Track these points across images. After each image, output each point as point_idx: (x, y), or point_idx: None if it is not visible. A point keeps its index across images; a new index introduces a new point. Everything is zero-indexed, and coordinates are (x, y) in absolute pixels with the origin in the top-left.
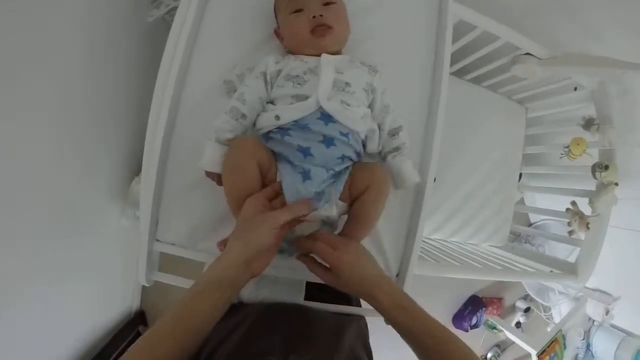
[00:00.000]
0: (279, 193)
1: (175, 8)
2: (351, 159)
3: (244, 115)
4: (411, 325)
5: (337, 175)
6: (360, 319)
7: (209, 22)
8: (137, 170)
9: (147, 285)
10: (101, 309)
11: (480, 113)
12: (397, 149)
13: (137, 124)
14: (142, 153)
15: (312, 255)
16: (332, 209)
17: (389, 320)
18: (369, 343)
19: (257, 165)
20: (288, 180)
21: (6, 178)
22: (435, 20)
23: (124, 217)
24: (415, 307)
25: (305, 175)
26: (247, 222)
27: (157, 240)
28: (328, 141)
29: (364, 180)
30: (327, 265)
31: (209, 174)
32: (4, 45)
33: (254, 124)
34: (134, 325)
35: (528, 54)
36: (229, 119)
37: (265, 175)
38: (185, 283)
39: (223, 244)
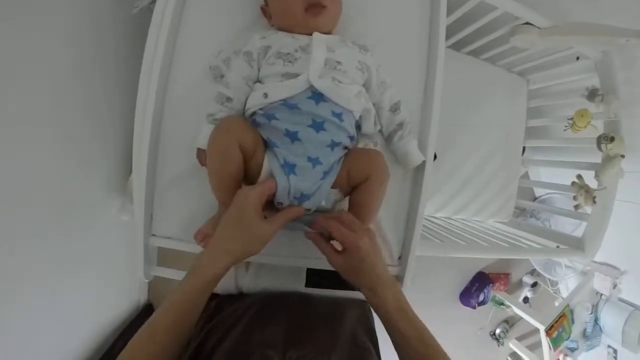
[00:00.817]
0: (273, 192)
1: None
2: (342, 146)
3: (229, 99)
4: (409, 331)
5: (326, 172)
6: (364, 303)
7: (192, 8)
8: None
9: (146, 280)
10: (108, 304)
11: (479, 87)
12: (400, 125)
13: (133, 118)
14: None
15: (324, 238)
16: (324, 204)
17: (388, 322)
18: (373, 327)
19: (239, 149)
20: (278, 175)
21: (6, 178)
22: None
23: (123, 212)
24: (415, 315)
25: (289, 169)
26: (238, 228)
27: (153, 234)
28: (317, 125)
29: (363, 169)
30: (338, 248)
31: (199, 156)
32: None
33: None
34: (142, 318)
35: (527, 23)
36: (215, 104)
37: (249, 158)
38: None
39: (202, 236)
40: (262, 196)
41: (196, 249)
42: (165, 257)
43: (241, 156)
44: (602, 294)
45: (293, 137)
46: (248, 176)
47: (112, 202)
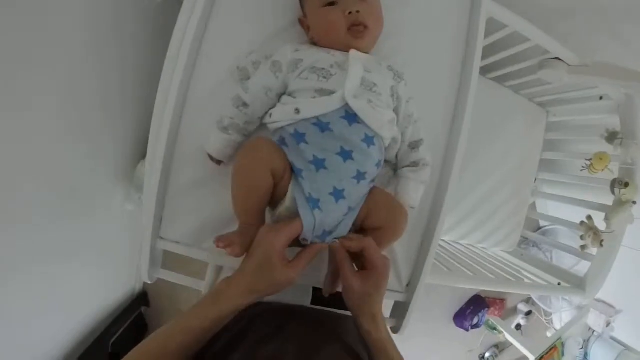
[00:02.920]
0: (299, 233)
1: None
2: (369, 180)
3: (245, 104)
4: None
5: (351, 207)
6: None
7: (222, 9)
8: (142, 154)
9: (149, 282)
10: (104, 290)
11: (500, 113)
12: (415, 164)
13: (145, 106)
14: (148, 136)
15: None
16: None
17: (380, 348)
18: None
19: (271, 174)
20: (304, 211)
21: (11, 160)
22: (467, 18)
23: (128, 200)
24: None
25: (314, 204)
26: (263, 272)
27: (161, 237)
28: (345, 154)
29: (381, 219)
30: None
31: (211, 158)
32: (7, 30)
33: (270, 116)
34: (136, 306)
35: (557, 58)
36: (231, 107)
37: (277, 183)
38: (188, 282)
39: (228, 242)
40: (287, 242)
41: (203, 256)
42: (168, 259)
43: (272, 182)
44: (594, 331)
45: (319, 165)
46: (272, 200)
47: (117, 189)
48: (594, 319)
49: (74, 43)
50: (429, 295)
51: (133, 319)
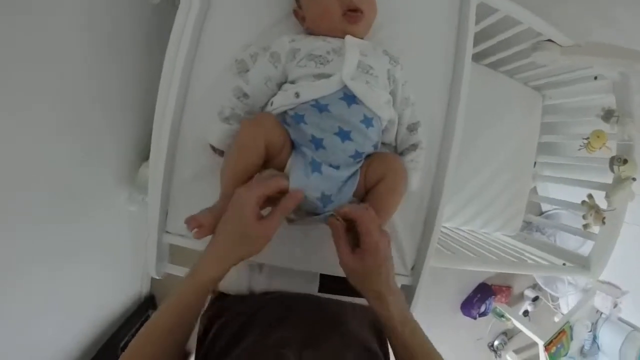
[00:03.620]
0: (282, 193)
1: None
2: (363, 158)
3: (245, 95)
4: (413, 343)
5: (348, 176)
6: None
7: (219, 3)
8: (145, 155)
9: (157, 277)
10: (111, 294)
11: (496, 99)
12: (414, 146)
13: (146, 106)
14: (150, 138)
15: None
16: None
17: (392, 332)
18: (384, 336)
19: (265, 147)
20: (297, 172)
21: (11, 160)
22: (458, 3)
23: (131, 202)
24: (419, 326)
25: (315, 167)
26: (234, 232)
27: (167, 231)
28: (344, 134)
29: (378, 170)
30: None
31: (213, 148)
32: (8, 28)
33: (271, 104)
34: (144, 309)
35: (550, 40)
36: (231, 97)
37: (274, 156)
38: None
39: (196, 223)
40: (260, 196)
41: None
42: (172, 253)
43: (263, 152)
44: (602, 313)
45: (318, 144)
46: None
47: (120, 191)
48: (601, 301)
49: (72, 43)
50: (435, 285)
51: (141, 323)
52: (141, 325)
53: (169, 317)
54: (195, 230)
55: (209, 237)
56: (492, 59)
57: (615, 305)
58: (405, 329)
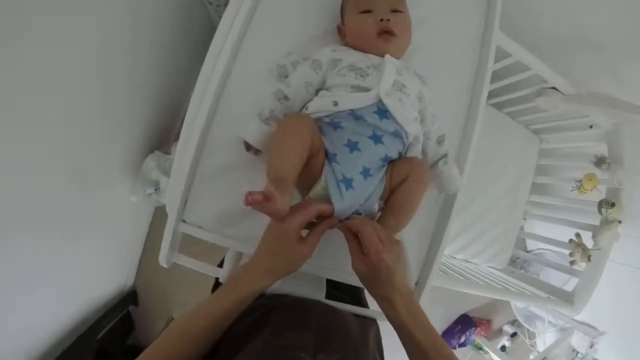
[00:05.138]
0: (318, 215)
1: None
2: (389, 160)
3: (286, 97)
4: (424, 341)
5: (377, 184)
6: (375, 322)
7: (265, 7)
8: (151, 148)
9: (166, 266)
10: (95, 283)
11: (497, 137)
12: (445, 156)
13: (159, 99)
14: (159, 130)
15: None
16: (373, 210)
17: (403, 331)
18: (382, 349)
19: (310, 140)
20: (333, 196)
21: (27, 139)
22: (479, 45)
23: (133, 193)
24: (430, 324)
25: (348, 184)
26: (278, 251)
27: (184, 221)
28: (377, 137)
29: (402, 172)
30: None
31: (246, 144)
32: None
33: (307, 108)
34: (124, 304)
35: (553, 87)
36: (272, 99)
37: (312, 155)
38: (206, 269)
39: (252, 197)
40: (304, 222)
41: (225, 242)
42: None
43: (309, 144)
44: (578, 352)
45: (353, 147)
46: (303, 179)
47: (124, 180)
48: (578, 340)
49: (93, 33)
50: None
51: (120, 317)
52: (122, 319)
53: (207, 322)
54: (271, 198)
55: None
56: (499, 99)
57: (592, 346)
58: (414, 327)
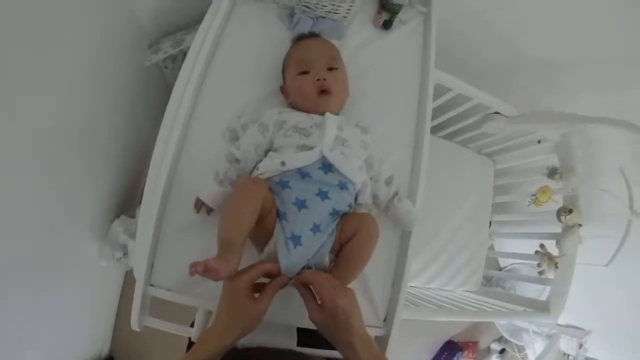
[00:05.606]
0: (274, 274)
1: (170, 56)
2: (339, 215)
3: (237, 160)
4: None
5: (326, 239)
6: None
7: (216, 71)
8: (117, 212)
9: (138, 330)
10: (70, 351)
11: (452, 166)
12: (396, 193)
13: (123, 164)
14: (124, 194)
15: (309, 288)
16: (323, 262)
17: None
18: None
19: (261, 204)
20: (281, 254)
21: None
22: (418, 85)
23: (102, 257)
24: None
25: (296, 241)
26: (232, 311)
27: (152, 284)
28: (323, 194)
29: (353, 227)
30: (319, 304)
31: (197, 203)
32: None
33: (257, 169)
34: None
35: (497, 112)
36: (225, 162)
37: (263, 216)
38: (176, 329)
39: (194, 269)
40: (252, 280)
41: (195, 302)
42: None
43: (259, 208)
44: (569, 355)
45: (301, 205)
46: (259, 237)
47: (91, 245)
48: (567, 344)
49: (60, 95)
50: (402, 346)
51: None
52: None
53: None
54: (213, 262)
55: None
56: (448, 130)
57: (581, 346)
58: None
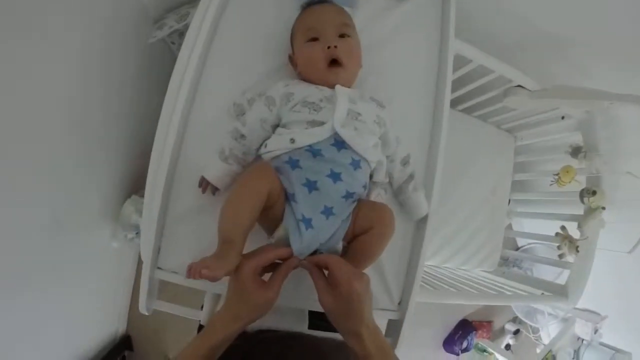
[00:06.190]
0: (284, 258)
1: (177, 31)
2: (355, 197)
3: (243, 136)
4: None
5: (340, 223)
6: None
7: (220, 46)
8: (129, 192)
9: (146, 314)
10: (86, 331)
11: (471, 142)
12: (411, 177)
13: (133, 144)
14: (135, 174)
15: (321, 271)
16: (336, 248)
17: None
18: None
19: (267, 192)
20: (292, 236)
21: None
22: (437, 55)
23: (114, 238)
24: (397, 358)
25: (307, 224)
26: (241, 298)
27: (159, 267)
28: (335, 175)
29: (368, 220)
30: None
31: (202, 182)
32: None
33: (265, 146)
34: (119, 350)
35: (519, 86)
36: (229, 138)
37: (271, 205)
38: (185, 312)
39: (195, 267)
40: (259, 265)
41: (201, 285)
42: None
43: (265, 197)
44: (583, 339)
45: (311, 186)
46: (267, 223)
47: (104, 226)
48: (581, 328)
49: (63, 76)
50: (417, 324)
51: None
52: None
53: None
54: (205, 269)
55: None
56: (467, 104)
57: (596, 331)
58: None
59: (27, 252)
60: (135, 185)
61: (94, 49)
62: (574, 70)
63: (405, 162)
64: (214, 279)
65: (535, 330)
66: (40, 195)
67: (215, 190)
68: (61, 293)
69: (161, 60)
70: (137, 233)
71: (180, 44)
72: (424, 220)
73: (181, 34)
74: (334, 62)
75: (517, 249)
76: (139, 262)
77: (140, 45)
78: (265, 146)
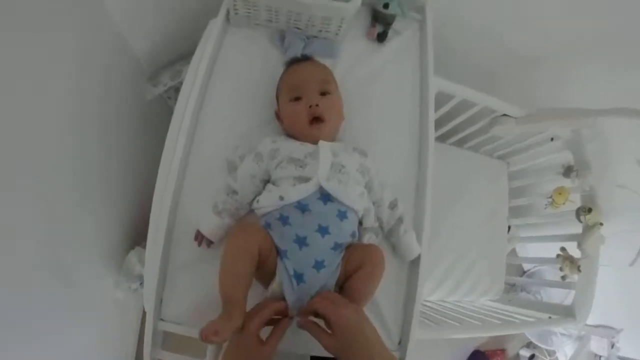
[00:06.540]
0: (282, 312)
1: (172, 87)
2: (343, 246)
3: (234, 191)
4: None
5: (330, 274)
6: None
7: (212, 102)
8: (133, 242)
9: None
10: None
11: (465, 173)
12: (400, 220)
13: (135, 195)
14: (138, 224)
15: (314, 322)
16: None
17: None
18: None
19: (258, 250)
20: (286, 290)
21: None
22: (418, 96)
23: (119, 289)
24: None
25: (298, 278)
26: (242, 355)
27: (162, 319)
28: (323, 230)
29: (358, 260)
30: (329, 332)
31: (197, 235)
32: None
33: (257, 202)
34: None
35: (505, 114)
36: (222, 194)
37: (263, 261)
38: None
39: (207, 331)
40: (261, 326)
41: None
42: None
43: (257, 256)
44: (601, 356)
45: (301, 242)
46: (261, 277)
47: (107, 277)
48: (597, 344)
49: (69, 129)
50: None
51: None
52: None
53: None
54: (215, 336)
55: None
56: (457, 137)
57: (613, 346)
58: None
59: (28, 300)
60: (139, 236)
61: (92, 104)
62: (555, 87)
63: (393, 206)
64: (223, 342)
65: (552, 353)
66: (42, 244)
67: (210, 243)
68: (63, 341)
69: (160, 116)
70: (141, 283)
71: (176, 99)
72: (417, 258)
73: (177, 89)
74: (316, 119)
75: (524, 272)
76: (144, 313)
77: (138, 102)
78: (258, 202)
